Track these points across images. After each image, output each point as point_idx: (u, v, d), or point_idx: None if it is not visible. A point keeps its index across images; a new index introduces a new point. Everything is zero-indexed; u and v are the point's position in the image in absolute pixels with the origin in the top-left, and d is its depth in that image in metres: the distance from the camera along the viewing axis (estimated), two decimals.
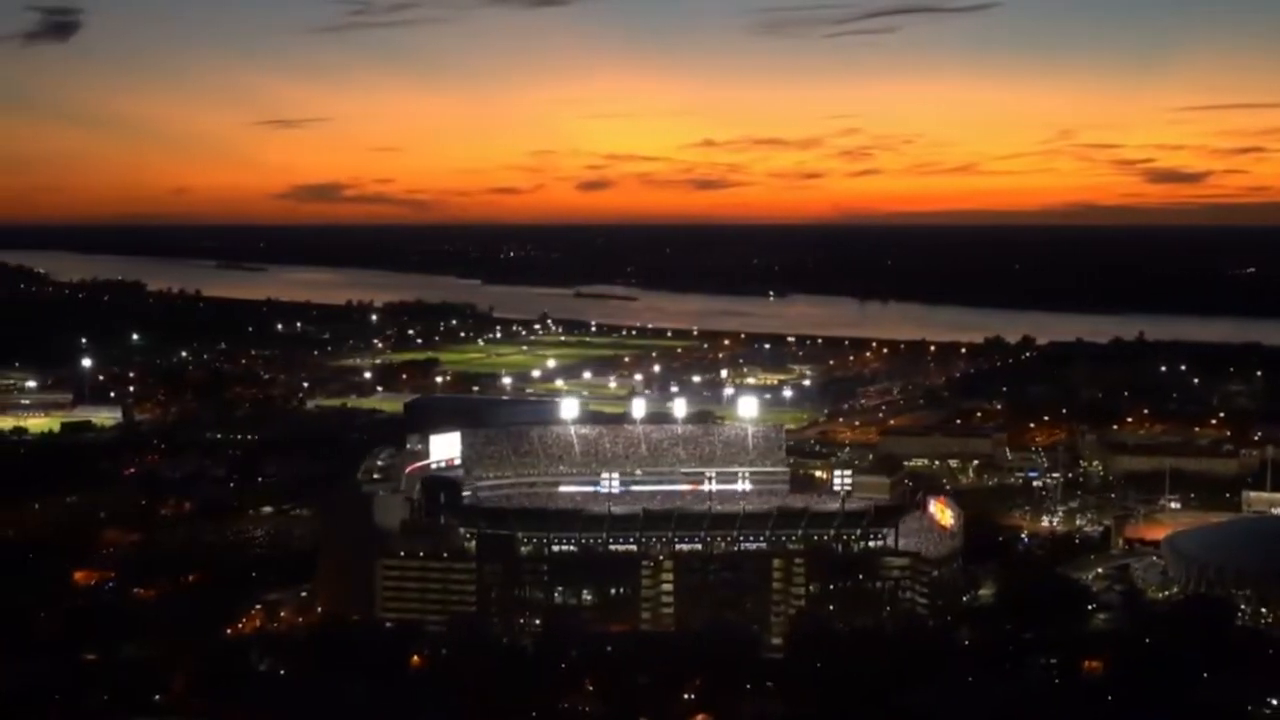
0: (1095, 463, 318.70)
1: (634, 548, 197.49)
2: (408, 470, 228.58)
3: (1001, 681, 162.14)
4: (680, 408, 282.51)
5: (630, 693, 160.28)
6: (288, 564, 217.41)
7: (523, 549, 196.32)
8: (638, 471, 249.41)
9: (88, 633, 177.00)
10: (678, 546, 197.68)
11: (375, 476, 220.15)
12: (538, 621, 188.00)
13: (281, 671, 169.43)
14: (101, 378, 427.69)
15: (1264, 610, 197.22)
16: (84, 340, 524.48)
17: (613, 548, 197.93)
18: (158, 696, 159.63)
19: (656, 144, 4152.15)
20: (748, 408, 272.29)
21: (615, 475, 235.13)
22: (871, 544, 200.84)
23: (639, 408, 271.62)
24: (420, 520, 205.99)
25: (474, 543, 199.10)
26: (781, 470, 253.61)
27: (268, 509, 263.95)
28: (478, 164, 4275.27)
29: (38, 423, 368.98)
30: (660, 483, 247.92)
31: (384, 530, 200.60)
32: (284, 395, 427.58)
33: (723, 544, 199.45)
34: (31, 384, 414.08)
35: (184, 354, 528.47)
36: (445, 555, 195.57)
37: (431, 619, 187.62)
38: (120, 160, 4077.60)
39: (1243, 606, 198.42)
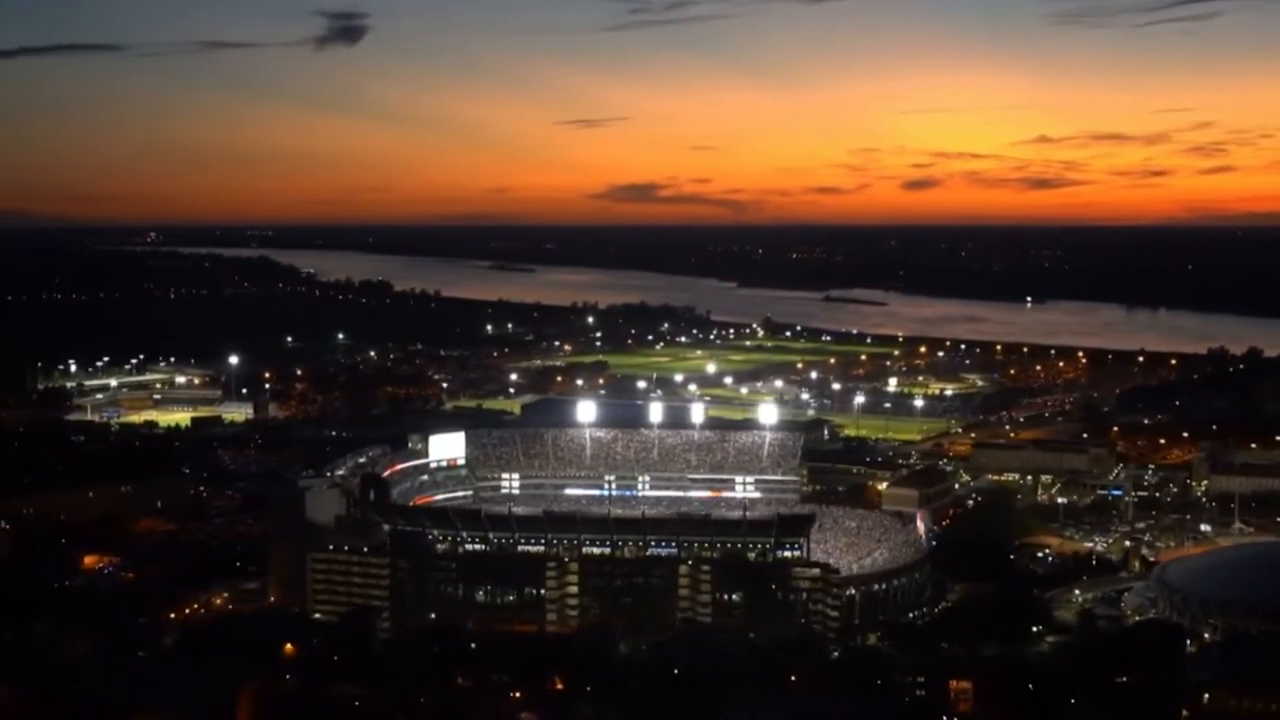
0: (1203, 482, 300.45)
1: (542, 548, 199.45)
2: (393, 469, 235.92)
3: (840, 695, 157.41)
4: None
5: (476, 692, 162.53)
6: None
7: (438, 546, 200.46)
8: (645, 477, 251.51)
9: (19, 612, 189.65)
10: (586, 549, 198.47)
11: (340, 472, 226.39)
12: (433, 616, 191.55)
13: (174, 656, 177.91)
14: (269, 375, 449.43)
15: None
16: (289, 339, 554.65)
17: (524, 548, 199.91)
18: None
19: (985, 141, 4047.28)
20: (768, 414, 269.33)
21: (515, 476, 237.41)
22: (789, 554, 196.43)
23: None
24: (354, 515, 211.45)
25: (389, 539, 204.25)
26: (793, 479, 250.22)
27: None
28: (798, 162, 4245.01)
29: (172, 417, 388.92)
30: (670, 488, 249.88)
31: (317, 525, 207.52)
32: (426, 395, 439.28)
33: (633, 548, 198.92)
34: (180, 380, 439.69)
35: (371, 353, 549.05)
36: (365, 550, 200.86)
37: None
38: (443, 161, 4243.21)
39: (1206, 635, 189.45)
